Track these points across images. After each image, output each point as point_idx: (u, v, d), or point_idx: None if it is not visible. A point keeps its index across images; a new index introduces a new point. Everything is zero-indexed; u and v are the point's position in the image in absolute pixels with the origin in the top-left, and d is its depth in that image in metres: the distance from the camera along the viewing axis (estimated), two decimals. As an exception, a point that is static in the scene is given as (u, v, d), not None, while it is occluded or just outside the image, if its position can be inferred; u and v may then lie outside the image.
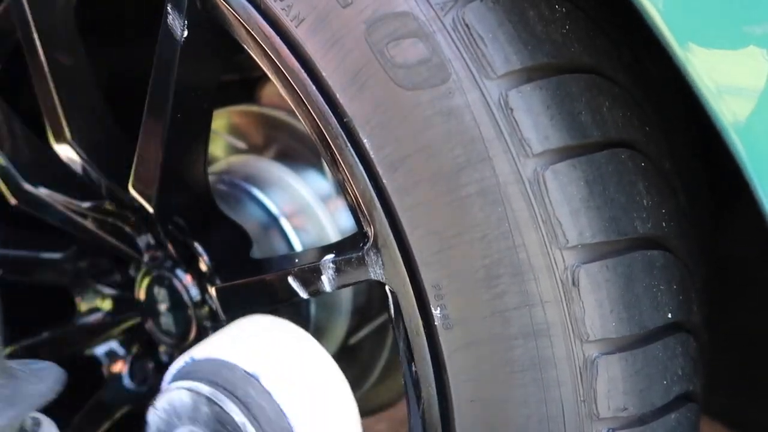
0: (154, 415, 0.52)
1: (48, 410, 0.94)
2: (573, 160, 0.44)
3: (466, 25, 0.44)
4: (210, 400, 0.50)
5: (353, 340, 0.87)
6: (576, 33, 0.48)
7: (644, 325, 0.46)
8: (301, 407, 0.51)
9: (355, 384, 0.90)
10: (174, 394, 0.52)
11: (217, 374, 0.52)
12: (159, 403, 0.52)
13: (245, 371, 0.51)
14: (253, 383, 0.51)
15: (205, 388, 0.50)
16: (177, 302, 0.74)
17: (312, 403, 0.52)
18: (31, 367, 0.41)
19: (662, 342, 0.48)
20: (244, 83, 0.94)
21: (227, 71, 0.92)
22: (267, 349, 0.54)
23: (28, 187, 0.75)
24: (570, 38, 0.47)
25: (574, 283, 0.44)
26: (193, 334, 0.74)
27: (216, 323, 0.72)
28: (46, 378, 0.42)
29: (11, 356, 0.87)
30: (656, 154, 0.51)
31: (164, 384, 0.56)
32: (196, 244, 0.69)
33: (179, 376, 0.54)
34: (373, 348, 0.89)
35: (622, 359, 0.45)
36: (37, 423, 0.43)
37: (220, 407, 0.49)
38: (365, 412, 0.94)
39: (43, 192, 0.75)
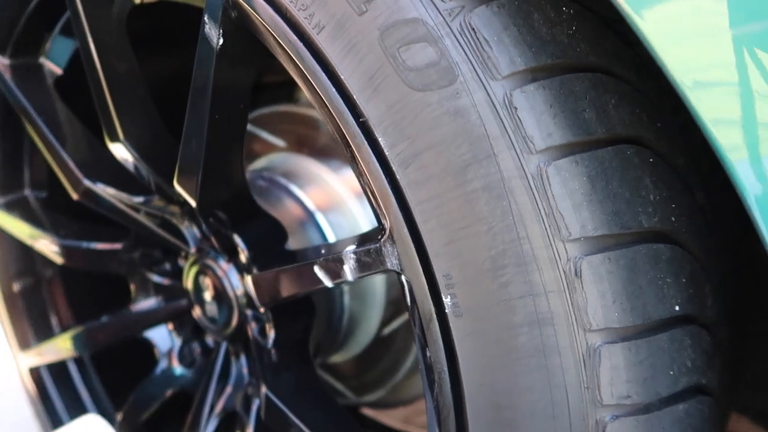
0: None
1: (107, 387, 1.01)
2: (575, 156, 0.46)
3: (473, 29, 0.46)
4: None
5: (386, 331, 0.90)
6: (583, 33, 0.49)
7: (649, 316, 0.48)
8: None
9: (388, 375, 0.93)
10: None
11: None
12: None
13: None
14: None
15: None
16: (220, 291, 0.79)
17: None
18: None
19: (669, 333, 0.49)
20: (284, 85, 0.98)
21: (269, 73, 0.96)
22: None
23: (87, 183, 0.81)
24: (577, 39, 0.49)
25: (576, 274, 0.46)
26: (235, 322, 0.79)
27: (255, 311, 0.77)
28: None
29: (75, 337, 0.95)
30: (668, 151, 0.52)
31: None
32: (236, 236, 0.74)
33: None
34: (406, 339, 0.92)
35: (625, 348, 0.47)
36: None
37: None
38: (397, 402, 0.98)
39: (100, 188, 0.81)
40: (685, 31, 0.38)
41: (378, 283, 0.85)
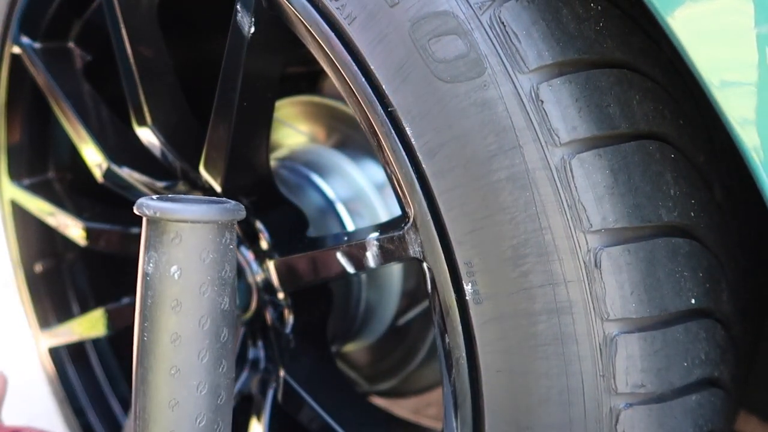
0: None
1: (125, 370, 1.03)
2: (599, 149, 0.47)
3: (502, 23, 0.48)
4: None
5: (401, 322, 0.92)
6: (610, 30, 0.50)
7: (665, 308, 0.49)
8: None
9: (401, 365, 0.95)
10: None
11: None
12: None
13: None
14: None
15: None
16: (240, 276, 0.80)
17: None
18: None
19: (684, 326, 0.50)
20: (308, 75, 1.00)
21: (293, 64, 0.98)
22: None
23: (113, 166, 0.83)
24: (603, 35, 0.50)
25: (596, 265, 0.47)
26: (254, 306, 0.80)
27: (273, 296, 0.78)
28: None
29: (95, 319, 0.97)
30: (689, 148, 0.53)
31: None
32: (258, 223, 0.76)
33: None
34: (420, 330, 0.93)
35: (641, 339, 0.48)
36: None
37: None
38: (408, 392, 0.99)
39: (125, 172, 0.83)
40: (714, 30, 0.39)
41: (395, 273, 0.86)
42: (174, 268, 0.42)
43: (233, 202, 0.45)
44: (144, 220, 0.43)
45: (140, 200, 0.43)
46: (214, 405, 0.44)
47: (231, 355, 0.45)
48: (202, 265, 0.42)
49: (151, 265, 0.42)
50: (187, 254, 0.42)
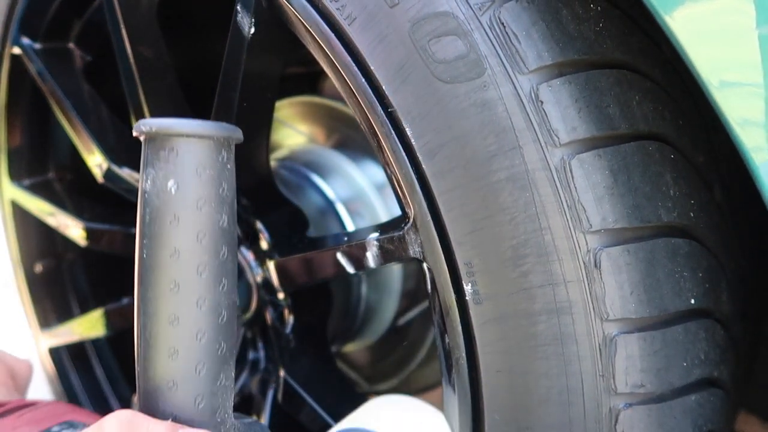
0: None
1: (124, 370, 1.03)
2: (599, 150, 0.47)
3: (502, 24, 0.48)
4: None
5: (401, 322, 0.92)
6: (610, 30, 0.50)
7: (665, 308, 0.49)
8: None
9: (401, 365, 0.95)
10: None
11: None
12: None
13: None
14: None
15: None
16: (240, 277, 0.80)
17: None
18: (244, 422, 0.47)
19: (684, 326, 0.50)
20: (308, 76, 1.00)
21: (293, 64, 0.98)
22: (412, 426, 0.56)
23: (113, 167, 0.83)
24: (603, 35, 0.50)
25: (596, 265, 0.47)
26: (253, 306, 0.81)
27: (273, 296, 0.78)
28: None
29: (95, 319, 0.97)
30: (689, 148, 0.53)
31: None
32: (258, 223, 0.76)
33: None
34: (420, 330, 0.93)
35: (641, 339, 0.48)
36: None
37: None
38: (410, 391, 0.99)
39: (126, 172, 0.83)
40: (714, 30, 0.39)
41: (395, 273, 0.86)
42: (171, 183, 0.42)
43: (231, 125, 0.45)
44: (143, 141, 0.43)
45: (139, 121, 0.43)
46: (215, 323, 0.43)
47: (232, 276, 0.45)
48: (198, 179, 0.42)
49: (148, 182, 0.43)
50: (183, 168, 0.42)
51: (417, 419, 0.57)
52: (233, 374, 0.46)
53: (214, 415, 0.44)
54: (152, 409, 0.44)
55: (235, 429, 0.46)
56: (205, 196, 0.43)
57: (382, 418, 0.57)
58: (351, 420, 0.59)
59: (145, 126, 0.42)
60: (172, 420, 0.43)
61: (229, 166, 0.44)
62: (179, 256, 0.42)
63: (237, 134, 0.45)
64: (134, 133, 0.43)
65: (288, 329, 0.78)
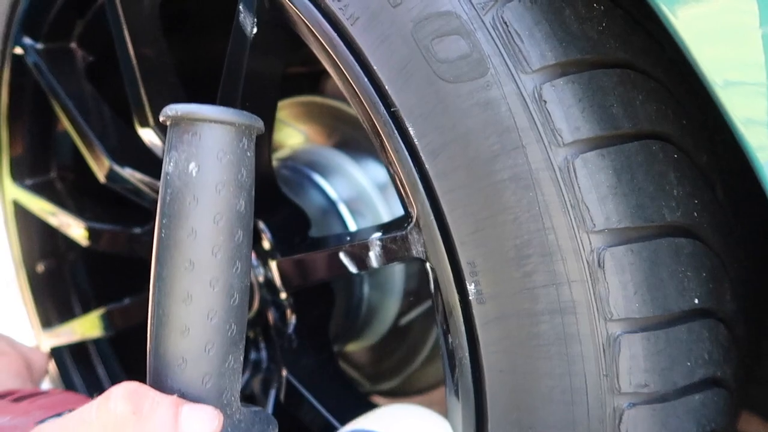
0: None
1: (126, 371, 1.03)
2: (602, 149, 0.47)
3: (505, 23, 0.48)
4: None
5: (403, 322, 0.92)
6: (613, 30, 0.50)
7: (668, 308, 0.49)
8: None
9: (403, 365, 0.95)
10: None
11: None
12: None
13: None
14: None
15: None
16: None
17: None
18: (250, 409, 0.48)
19: (687, 326, 0.50)
20: (311, 76, 1.00)
21: (295, 64, 0.98)
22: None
23: (115, 167, 0.83)
24: (606, 35, 0.50)
25: (599, 265, 0.47)
26: (255, 306, 0.81)
27: (275, 297, 0.78)
28: (264, 422, 0.47)
29: (97, 319, 0.97)
30: (692, 148, 0.53)
31: None
32: (260, 223, 0.76)
33: None
34: (422, 330, 0.93)
35: (645, 338, 0.48)
36: None
37: None
38: (411, 392, 0.99)
39: (128, 172, 0.83)
40: (718, 29, 0.39)
41: (397, 273, 0.86)
42: (192, 165, 0.43)
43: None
44: (168, 125, 0.45)
45: (166, 107, 0.45)
46: (227, 304, 0.44)
47: (246, 261, 0.46)
48: (218, 164, 0.44)
49: (171, 164, 0.44)
50: (205, 152, 0.44)
51: (423, 426, 0.57)
52: (242, 359, 0.47)
53: (221, 396, 0.45)
54: (160, 386, 0.44)
55: (240, 413, 0.47)
56: (224, 180, 0.44)
57: (389, 423, 0.57)
58: (357, 423, 0.59)
59: (171, 110, 0.44)
60: (179, 396, 0.44)
61: (249, 154, 0.45)
62: (196, 236, 0.43)
63: (258, 124, 0.46)
64: (161, 118, 0.45)
65: (290, 329, 0.78)
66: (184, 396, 0.44)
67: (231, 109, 0.44)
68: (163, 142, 0.77)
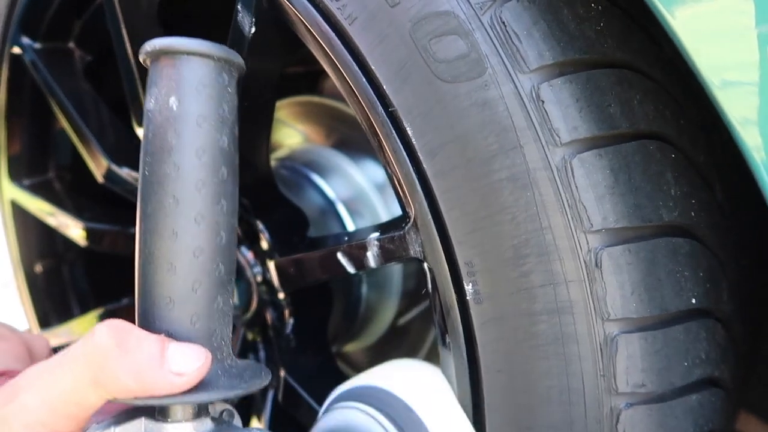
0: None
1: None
2: (600, 149, 0.47)
3: (503, 23, 0.48)
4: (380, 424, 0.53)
5: (401, 322, 0.92)
6: (611, 30, 0.50)
7: (665, 308, 0.49)
8: None
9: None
10: (349, 413, 0.55)
11: (384, 402, 0.54)
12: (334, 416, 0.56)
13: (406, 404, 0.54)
14: (414, 416, 0.53)
15: (374, 412, 0.54)
16: (240, 276, 0.80)
17: None
18: (245, 362, 0.48)
19: (684, 326, 0.50)
20: (309, 75, 1.00)
21: (293, 64, 0.98)
22: (422, 387, 0.56)
23: (113, 167, 0.83)
24: (604, 35, 0.50)
25: (597, 265, 0.47)
26: (253, 306, 0.81)
27: (273, 297, 0.78)
28: (257, 371, 0.47)
29: (100, 318, 0.97)
30: (690, 147, 0.53)
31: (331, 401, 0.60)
32: (259, 223, 0.76)
33: (359, 397, 0.58)
34: (420, 330, 0.93)
35: (642, 338, 0.48)
36: (231, 414, 0.48)
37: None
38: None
39: (125, 172, 0.83)
40: (715, 29, 0.39)
41: (395, 273, 0.86)
42: (172, 100, 0.43)
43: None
44: (149, 64, 0.45)
45: (144, 43, 0.44)
46: (213, 242, 0.44)
47: (232, 199, 0.45)
48: (198, 97, 0.43)
49: (152, 101, 0.44)
50: (184, 85, 0.43)
51: (415, 374, 0.57)
52: (231, 304, 0.46)
53: (211, 339, 0.44)
54: (148, 327, 0.44)
55: (231, 359, 0.46)
56: (205, 114, 0.44)
57: (383, 376, 0.57)
58: (361, 378, 0.59)
59: (149, 46, 0.44)
60: (166, 336, 0.43)
61: (230, 90, 0.45)
62: (179, 171, 0.43)
63: (238, 60, 0.46)
64: (141, 58, 0.45)
65: (288, 329, 0.78)
66: (172, 337, 0.43)
67: (210, 42, 0.44)
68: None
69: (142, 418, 0.44)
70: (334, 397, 0.60)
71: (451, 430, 0.52)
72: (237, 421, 0.48)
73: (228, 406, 0.48)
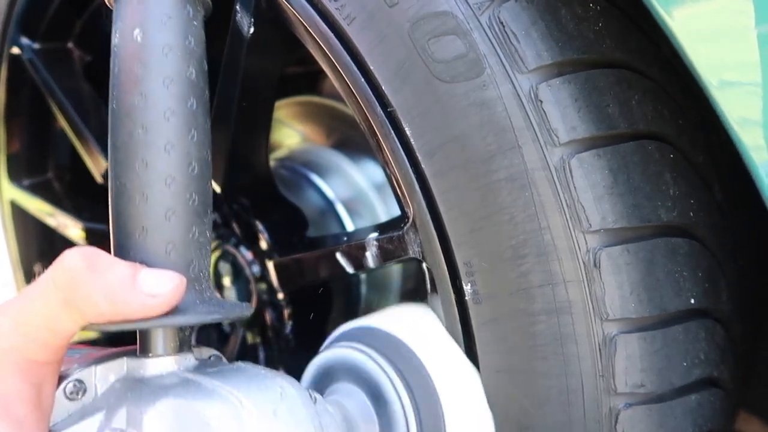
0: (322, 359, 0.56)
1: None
2: (598, 149, 0.47)
3: (501, 23, 0.48)
4: (380, 367, 0.53)
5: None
6: (609, 30, 0.50)
7: (664, 308, 0.49)
8: (452, 391, 0.52)
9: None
10: (346, 352, 0.55)
11: (386, 346, 0.54)
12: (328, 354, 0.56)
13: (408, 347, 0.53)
14: (414, 359, 0.53)
15: (375, 354, 0.53)
16: (240, 276, 0.80)
17: (460, 385, 0.53)
18: (226, 299, 0.47)
19: (683, 326, 0.50)
20: (308, 76, 1.00)
21: (292, 64, 0.98)
22: (424, 331, 0.55)
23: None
24: (602, 35, 0.50)
25: (595, 265, 0.47)
26: (253, 306, 0.80)
27: (273, 297, 0.78)
28: (237, 303, 0.47)
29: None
30: (688, 148, 0.53)
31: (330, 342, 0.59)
32: (258, 223, 0.76)
33: (350, 337, 0.57)
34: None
35: (641, 338, 0.48)
36: (218, 359, 0.48)
37: (386, 374, 0.52)
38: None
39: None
40: (714, 30, 0.39)
41: (394, 273, 0.86)
42: (137, 32, 0.43)
43: None
44: (114, 2, 0.45)
45: None
46: (185, 171, 0.44)
47: (203, 132, 0.45)
48: (163, 27, 0.44)
49: (117, 36, 0.44)
50: (148, 16, 0.44)
51: (409, 314, 0.57)
52: (209, 237, 0.46)
53: (188, 268, 0.44)
54: (123, 257, 0.44)
55: (210, 292, 0.45)
56: (171, 44, 0.44)
57: (379, 318, 0.57)
58: (348, 324, 0.59)
59: None
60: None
61: (195, 23, 0.45)
62: (146, 100, 0.43)
63: None
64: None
65: (287, 329, 0.78)
66: (147, 265, 0.43)
67: None
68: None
69: (124, 357, 0.44)
70: (330, 340, 0.60)
71: (443, 359, 0.52)
72: (224, 360, 0.48)
73: (215, 351, 0.48)
